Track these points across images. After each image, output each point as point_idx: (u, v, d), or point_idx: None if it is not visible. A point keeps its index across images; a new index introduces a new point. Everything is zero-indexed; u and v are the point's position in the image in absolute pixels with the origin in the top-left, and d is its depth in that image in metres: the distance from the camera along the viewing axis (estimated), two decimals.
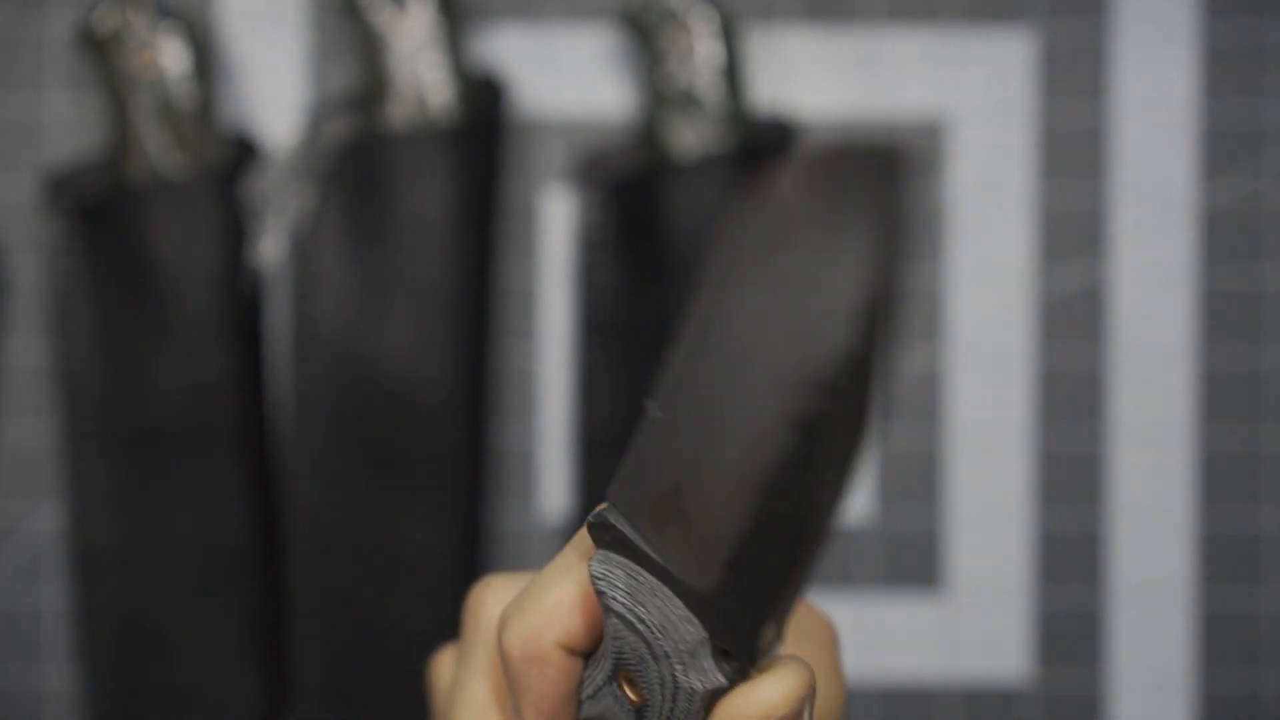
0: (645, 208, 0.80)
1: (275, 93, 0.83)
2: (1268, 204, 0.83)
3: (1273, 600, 0.83)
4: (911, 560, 0.83)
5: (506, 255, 0.82)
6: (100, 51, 0.79)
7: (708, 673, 0.35)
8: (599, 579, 0.36)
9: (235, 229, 0.79)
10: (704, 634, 0.35)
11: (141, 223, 0.79)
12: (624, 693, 0.36)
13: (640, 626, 0.36)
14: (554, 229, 0.82)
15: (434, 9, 0.79)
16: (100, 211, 0.79)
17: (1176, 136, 0.83)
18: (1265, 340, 0.83)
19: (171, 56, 0.79)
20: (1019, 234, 0.83)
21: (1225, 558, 0.83)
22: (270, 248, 0.81)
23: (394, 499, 0.79)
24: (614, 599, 0.36)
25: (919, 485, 0.83)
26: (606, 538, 0.36)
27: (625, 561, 0.35)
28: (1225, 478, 0.83)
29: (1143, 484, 0.83)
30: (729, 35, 0.80)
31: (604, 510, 0.36)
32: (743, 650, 0.34)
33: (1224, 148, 0.83)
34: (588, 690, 0.38)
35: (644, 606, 0.35)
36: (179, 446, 0.78)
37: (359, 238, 0.80)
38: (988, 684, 0.83)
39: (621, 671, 0.36)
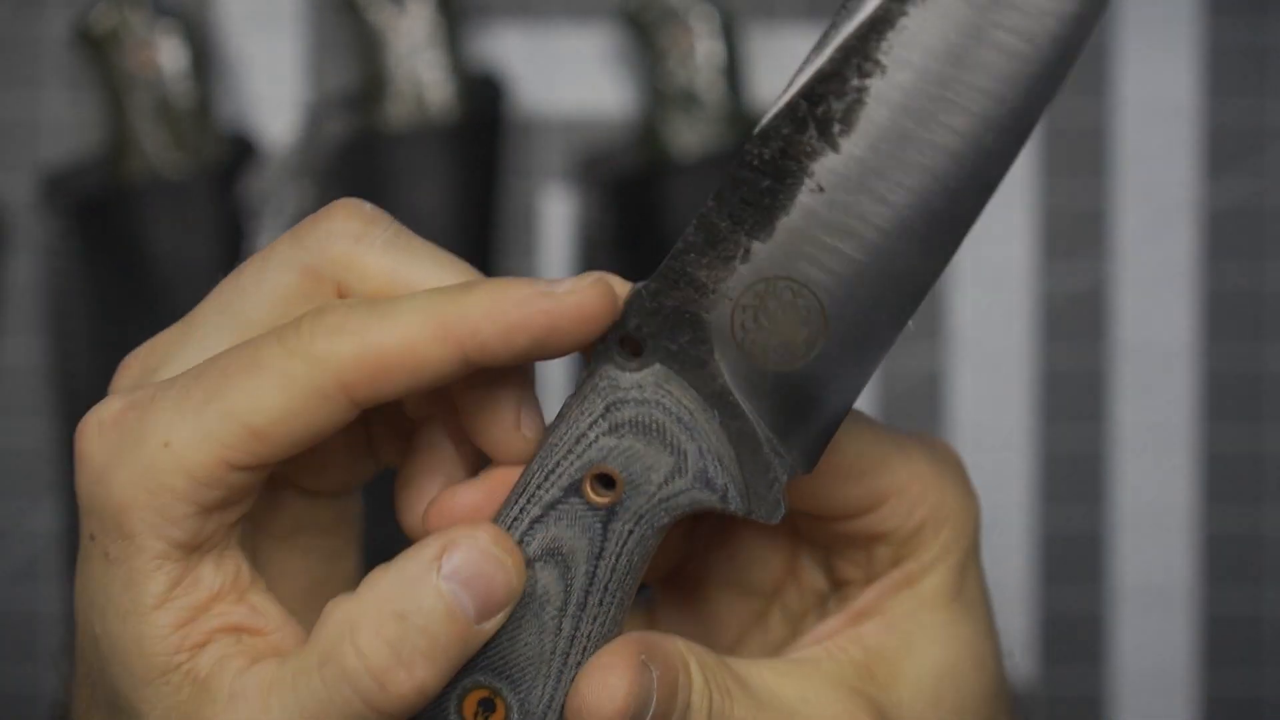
0: (645, 208, 0.80)
1: (273, 91, 0.82)
2: (1270, 203, 0.83)
3: (1275, 602, 0.83)
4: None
5: (506, 255, 0.82)
6: (98, 50, 0.78)
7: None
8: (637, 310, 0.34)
9: (233, 227, 0.79)
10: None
11: (139, 221, 0.78)
12: (590, 498, 0.35)
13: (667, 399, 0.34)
14: (554, 229, 0.82)
15: (433, 8, 0.79)
16: (98, 210, 0.79)
17: (1178, 136, 0.83)
18: (1268, 340, 0.83)
19: (169, 55, 0.78)
20: (1021, 233, 0.83)
21: (1228, 559, 0.83)
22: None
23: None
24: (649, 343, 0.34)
25: None
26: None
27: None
28: (1228, 478, 0.83)
29: (1145, 484, 0.83)
30: (729, 34, 0.80)
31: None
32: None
33: (1226, 147, 0.83)
34: (522, 520, 0.35)
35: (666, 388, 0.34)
36: None
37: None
38: None
39: (595, 469, 0.35)
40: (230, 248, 0.78)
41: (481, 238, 0.80)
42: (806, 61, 0.34)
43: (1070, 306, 0.83)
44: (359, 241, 0.37)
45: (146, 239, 0.78)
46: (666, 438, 0.35)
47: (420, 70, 0.79)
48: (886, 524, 0.39)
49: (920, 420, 0.83)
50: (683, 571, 0.41)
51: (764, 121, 0.34)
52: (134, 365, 0.39)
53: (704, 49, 0.80)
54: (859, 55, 0.33)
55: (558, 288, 0.34)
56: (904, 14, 0.33)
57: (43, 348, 0.81)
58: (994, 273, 0.83)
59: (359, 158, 0.79)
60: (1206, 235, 0.83)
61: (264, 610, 0.36)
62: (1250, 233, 0.83)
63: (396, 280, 0.36)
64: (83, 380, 0.79)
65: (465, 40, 0.81)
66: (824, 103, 0.33)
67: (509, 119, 0.81)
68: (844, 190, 0.34)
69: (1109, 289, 0.83)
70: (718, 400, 0.35)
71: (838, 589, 0.41)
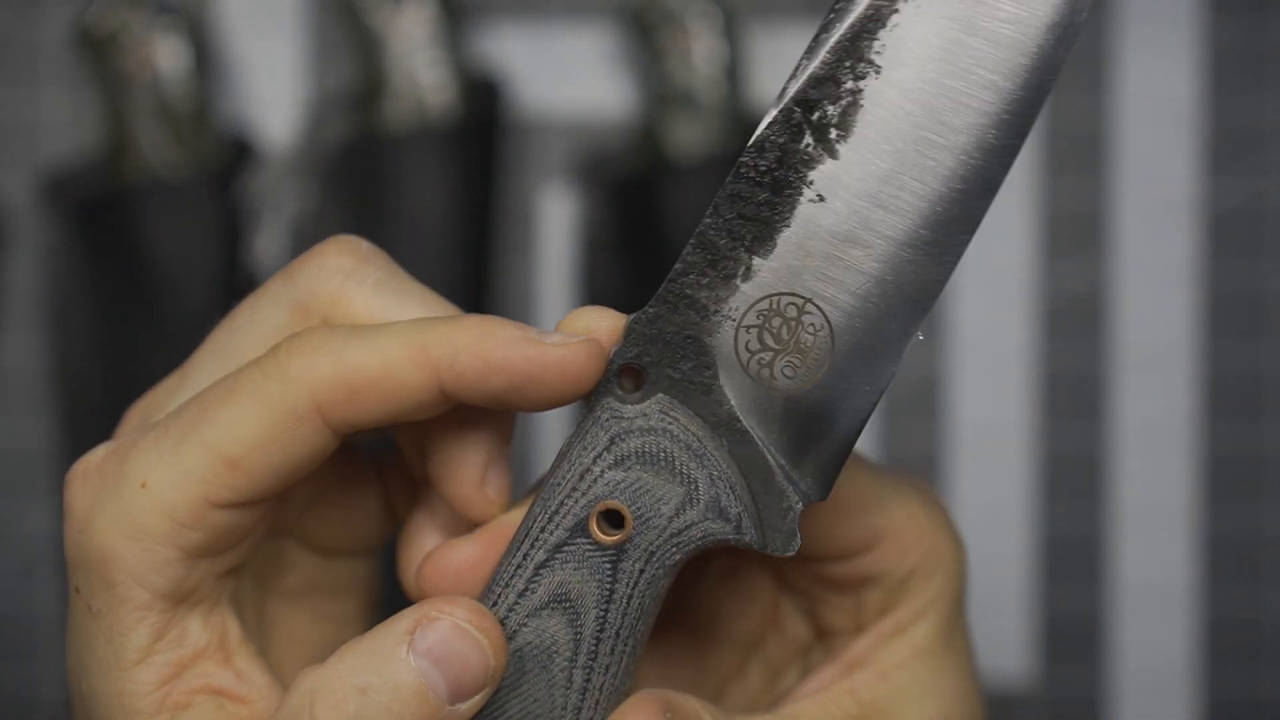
0: (645, 208, 0.80)
1: (273, 91, 0.82)
2: (1270, 203, 0.83)
3: (1275, 602, 0.83)
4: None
5: (506, 255, 0.81)
6: (97, 50, 0.78)
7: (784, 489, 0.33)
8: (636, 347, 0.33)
9: (232, 228, 0.79)
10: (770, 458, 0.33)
11: (138, 222, 0.78)
12: (598, 537, 0.33)
13: (675, 426, 0.33)
14: (554, 229, 0.82)
15: (432, 8, 0.79)
16: (98, 211, 0.79)
17: (1179, 135, 0.83)
18: (1268, 340, 0.83)
19: (168, 55, 0.78)
20: (1020, 233, 0.83)
21: (1228, 559, 0.83)
22: (267, 246, 0.81)
23: None
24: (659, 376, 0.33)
25: None
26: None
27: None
28: (1228, 478, 0.83)
29: (1145, 484, 0.83)
30: (729, 34, 0.80)
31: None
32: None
33: (1226, 146, 0.83)
34: (526, 566, 0.33)
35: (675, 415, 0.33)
36: None
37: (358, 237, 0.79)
38: (989, 685, 0.83)
39: (602, 505, 0.33)
40: (230, 248, 0.78)
41: (480, 238, 0.80)
42: (798, 66, 0.33)
43: (1070, 306, 0.83)
44: (350, 279, 0.36)
45: (146, 239, 0.78)
46: (675, 467, 0.33)
47: (420, 71, 0.79)
48: (880, 566, 0.38)
49: (920, 420, 0.83)
50: (662, 622, 0.40)
51: (758, 131, 0.33)
52: (134, 415, 0.38)
53: (704, 49, 0.80)
54: (852, 57, 0.33)
55: (547, 338, 0.33)
56: (895, 11, 0.32)
57: (43, 348, 0.81)
58: (994, 273, 0.83)
59: (358, 158, 0.79)
60: (1206, 235, 0.83)
61: (249, 677, 0.34)
62: (1250, 233, 0.83)
63: (385, 319, 0.35)
64: (83, 380, 0.79)
65: (465, 40, 0.80)
66: (819, 108, 0.33)
67: (509, 119, 0.81)
68: (845, 198, 0.33)
69: (1109, 289, 0.83)
70: (725, 428, 0.33)
71: (823, 639, 0.40)
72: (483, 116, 0.80)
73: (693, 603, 0.40)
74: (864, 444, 0.82)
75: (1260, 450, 0.83)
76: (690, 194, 0.79)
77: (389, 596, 0.40)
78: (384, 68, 0.79)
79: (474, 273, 0.79)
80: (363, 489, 0.39)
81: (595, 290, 0.80)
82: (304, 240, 0.80)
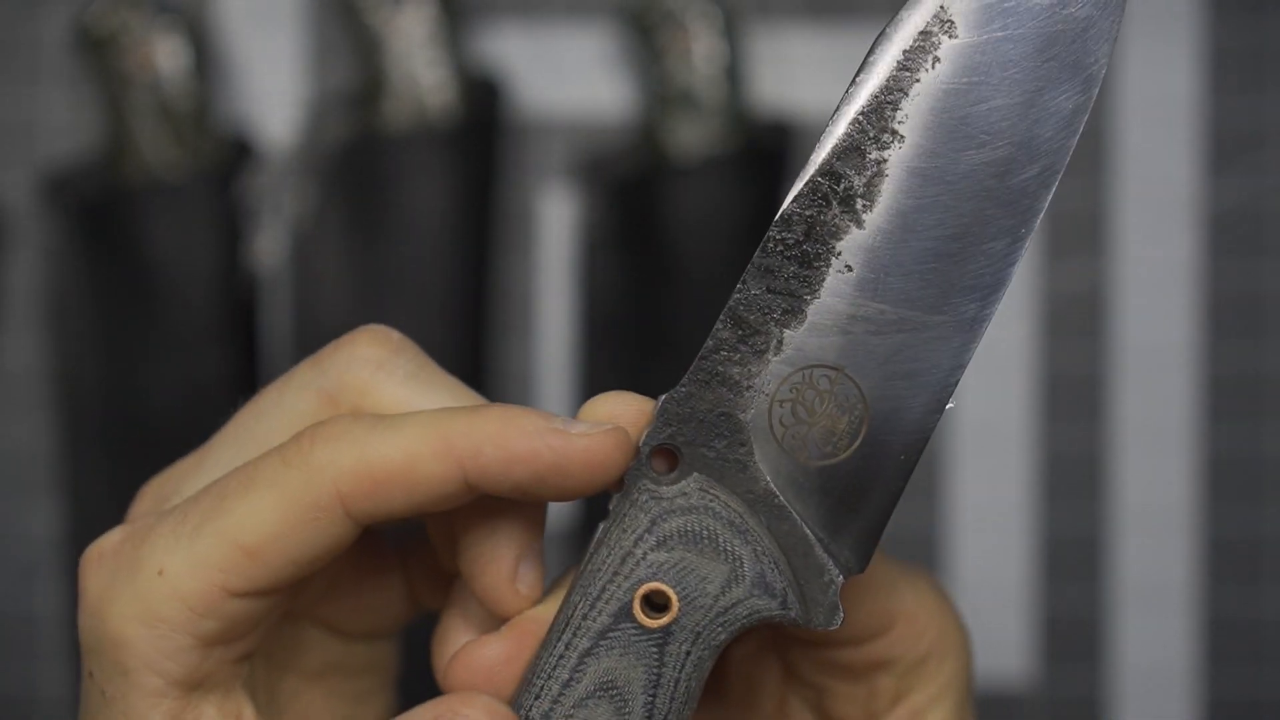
0: (645, 208, 0.80)
1: (273, 91, 0.82)
2: (1271, 203, 0.83)
3: (1276, 602, 0.83)
4: (912, 560, 0.83)
5: (506, 255, 0.81)
6: (97, 50, 0.78)
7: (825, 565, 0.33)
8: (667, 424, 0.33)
9: (232, 228, 0.79)
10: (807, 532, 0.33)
11: (138, 223, 0.78)
12: (642, 621, 0.33)
13: (716, 504, 0.33)
14: (554, 229, 0.82)
15: (432, 8, 0.79)
16: (98, 211, 0.79)
17: (1179, 135, 0.83)
18: (1268, 340, 0.83)
19: (168, 55, 0.78)
20: None
21: (1228, 559, 0.83)
22: (266, 247, 0.81)
23: None
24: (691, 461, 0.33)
25: (920, 485, 0.83)
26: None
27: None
28: (1228, 479, 0.83)
29: (1145, 485, 0.83)
30: (729, 34, 0.80)
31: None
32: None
33: (1227, 146, 0.83)
34: (570, 656, 0.33)
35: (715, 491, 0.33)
36: (176, 445, 0.78)
37: (358, 238, 0.79)
38: (989, 686, 0.83)
39: (646, 588, 0.33)
40: (230, 248, 0.78)
41: (480, 238, 0.80)
42: (822, 138, 0.33)
43: (1070, 306, 0.83)
44: (380, 369, 0.35)
45: (146, 240, 0.78)
46: (719, 545, 0.33)
47: (419, 71, 0.79)
48: (894, 650, 0.37)
49: None
50: None
51: (785, 205, 0.33)
52: (148, 494, 0.37)
53: (704, 49, 0.80)
54: (875, 127, 0.33)
55: (572, 428, 0.33)
56: (916, 80, 0.32)
57: (43, 348, 0.81)
58: None
59: (358, 158, 0.79)
60: (1206, 235, 0.83)
61: None
62: (1250, 233, 0.83)
63: (412, 410, 0.35)
64: (82, 380, 0.79)
65: (465, 40, 0.80)
66: (845, 179, 0.33)
67: (509, 119, 0.81)
68: (873, 267, 0.33)
69: (1109, 288, 0.83)
70: (762, 504, 0.33)
71: None
72: (482, 116, 0.80)
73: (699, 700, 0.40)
74: None
75: (1260, 450, 0.83)
76: (690, 194, 0.79)
77: (405, 678, 0.40)
78: (384, 68, 0.79)
79: (474, 273, 0.79)
80: (384, 574, 0.38)
81: (595, 290, 0.80)
82: (304, 240, 0.80)
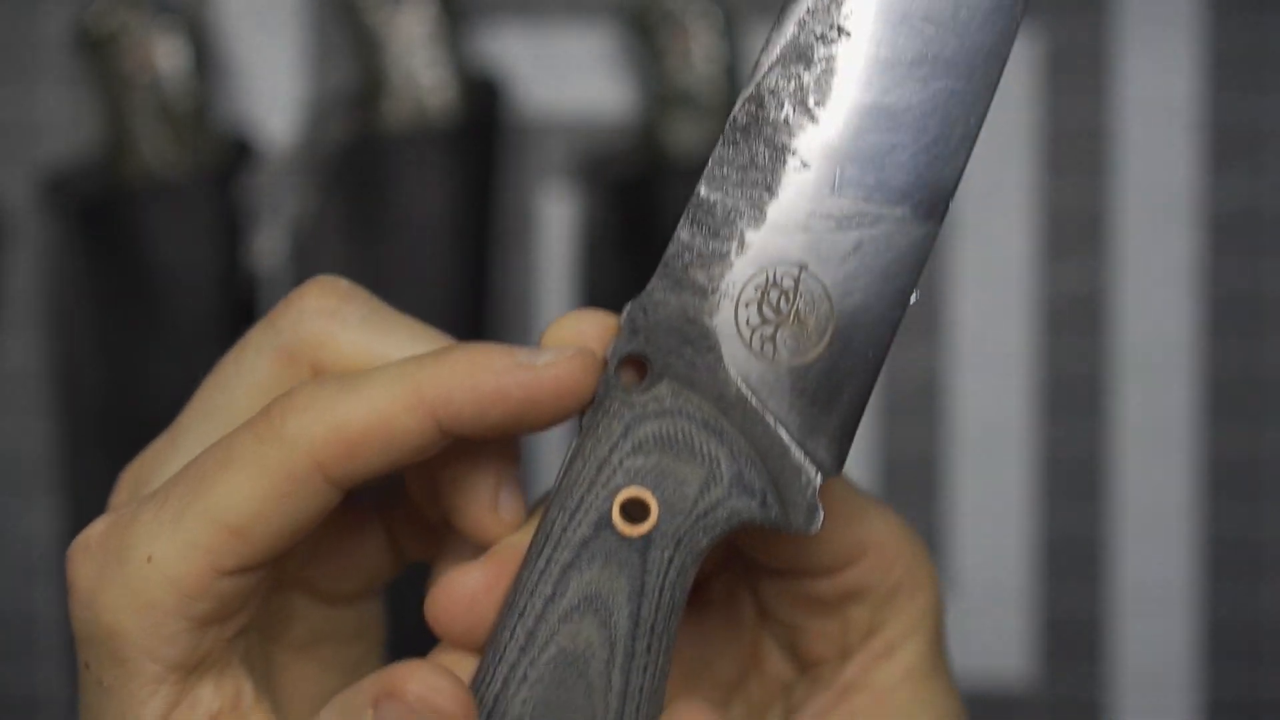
0: (645, 208, 0.80)
1: (273, 91, 0.82)
2: (1271, 203, 0.83)
3: (1275, 602, 0.83)
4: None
5: (506, 255, 0.81)
6: (97, 51, 0.78)
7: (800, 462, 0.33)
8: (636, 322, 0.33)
9: (232, 228, 0.79)
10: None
11: (137, 223, 0.78)
12: (622, 530, 0.32)
13: (690, 405, 0.33)
14: (554, 229, 0.82)
15: (432, 8, 0.79)
16: (98, 211, 0.79)
17: (1179, 135, 0.83)
18: (1269, 340, 0.83)
19: (168, 55, 0.78)
20: (1021, 233, 0.83)
21: (1228, 560, 0.83)
22: (266, 247, 0.81)
23: None
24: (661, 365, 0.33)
25: (919, 486, 0.83)
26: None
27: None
28: (1228, 479, 0.83)
29: (1145, 485, 0.83)
30: (729, 34, 0.80)
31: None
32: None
33: (1227, 146, 0.83)
34: (551, 570, 0.32)
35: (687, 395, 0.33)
36: None
37: (358, 238, 0.79)
38: (989, 686, 0.83)
39: (624, 495, 0.32)
40: (229, 248, 0.78)
41: (480, 238, 0.80)
42: (769, 40, 0.33)
43: (1070, 306, 0.83)
44: (333, 318, 0.35)
45: (146, 240, 0.78)
46: (695, 446, 0.32)
47: (419, 71, 0.79)
48: (866, 580, 0.37)
49: (920, 420, 0.83)
50: None
51: (737, 107, 0.33)
52: (126, 481, 0.37)
53: (704, 49, 0.80)
54: (822, 24, 0.33)
55: (538, 359, 0.33)
56: None
57: (43, 348, 0.81)
58: (994, 272, 0.83)
59: (358, 158, 0.79)
60: (1206, 235, 0.83)
61: None
62: (1250, 233, 0.83)
63: (372, 357, 0.35)
64: (83, 380, 0.79)
65: (465, 40, 0.80)
66: (795, 78, 0.33)
67: (509, 119, 0.81)
68: (828, 162, 0.33)
69: (1109, 289, 0.83)
70: (735, 407, 0.33)
71: (807, 672, 0.39)
72: (482, 116, 0.80)
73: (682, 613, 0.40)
74: (864, 445, 0.82)
75: (1260, 450, 0.83)
76: (690, 194, 0.79)
77: (392, 643, 0.40)
78: (384, 67, 0.79)
79: (474, 273, 0.79)
80: (365, 531, 0.38)
81: (595, 290, 0.80)
82: (304, 240, 0.80)
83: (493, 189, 0.80)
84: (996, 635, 0.83)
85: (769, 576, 0.38)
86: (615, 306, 0.35)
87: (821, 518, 0.33)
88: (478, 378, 0.32)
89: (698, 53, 0.80)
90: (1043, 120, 0.83)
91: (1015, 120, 0.82)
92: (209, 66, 0.80)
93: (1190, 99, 0.83)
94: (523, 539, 0.34)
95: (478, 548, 0.35)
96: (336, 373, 0.34)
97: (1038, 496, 0.83)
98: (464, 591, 0.34)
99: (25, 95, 0.82)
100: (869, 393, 0.34)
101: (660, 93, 0.80)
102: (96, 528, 0.34)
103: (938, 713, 0.38)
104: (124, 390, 0.78)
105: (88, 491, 0.79)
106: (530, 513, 0.36)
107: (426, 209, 0.79)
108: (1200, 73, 0.83)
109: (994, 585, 0.83)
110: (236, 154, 0.80)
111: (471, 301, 0.79)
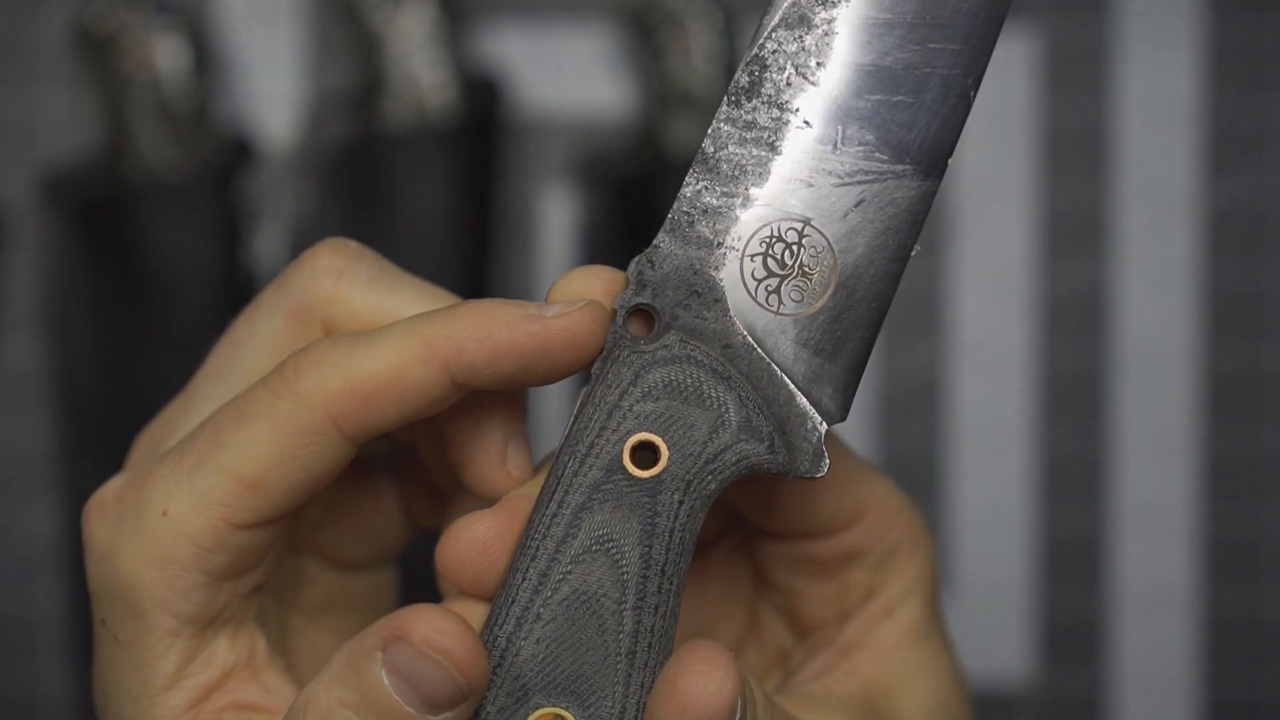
0: (645, 208, 0.80)
1: (273, 91, 0.82)
2: (1272, 202, 0.83)
3: (1275, 602, 0.83)
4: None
5: (506, 255, 0.81)
6: (97, 50, 0.78)
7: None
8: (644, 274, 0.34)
9: (231, 228, 0.79)
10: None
11: (137, 222, 0.78)
12: (633, 472, 0.33)
13: (699, 354, 0.34)
14: (553, 229, 0.82)
15: (432, 8, 0.79)
16: (97, 211, 0.79)
17: (1180, 135, 0.83)
18: (1269, 340, 0.83)
19: (168, 55, 0.78)
20: (1021, 233, 0.83)
21: (1229, 560, 0.83)
22: (266, 246, 0.81)
23: None
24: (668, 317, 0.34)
25: (919, 486, 0.83)
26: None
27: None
28: (1229, 479, 0.83)
29: (1145, 485, 0.83)
30: (729, 34, 0.80)
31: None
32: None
33: (1228, 146, 0.83)
34: (563, 513, 0.33)
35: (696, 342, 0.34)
36: None
37: (357, 237, 0.79)
38: (989, 686, 0.83)
39: (634, 439, 0.33)
40: (229, 248, 0.78)
41: (480, 238, 0.80)
42: (771, 5, 0.35)
43: (1070, 306, 0.83)
44: (342, 278, 0.36)
45: (146, 239, 0.78)
46: (704, 392, 0.33)
47: (419, 70, 0.79)
48: (865, 540, 0.38)
49: (920, 420, 0.83)
50: None
51: (740, 69, 0.34)
52: (142, 442, 0.38)
53: (704, 49, 0.80)
54: None
55: (547, 310, 0.33)
56: None
57: (43, 348, 0.81)
58: (994, 272, 0.83)
59: (358, 158, 0.79)
60: (1206, 235, 0.83)
61: (277, 690, 0.34)
62: (1250, 233, 0.83)
63: (382, 314, 0.35)
64: (83, 380, 0.79)
65: (465, 40, 0.80)
66: (796, 40, 0.34)
67: (509, 119, 0.81)
68: (830, 121, 0.34)
69: (1109, 288, 0.83)
70: (742, 357, 0.34)
71: (805, 637, 0.39)
72: (482, 116, 0.80)
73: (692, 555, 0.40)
74: (865, 445, 0.82)
75: (1260, 450, 0.83)
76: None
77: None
78: (384, 67, 0.79)
79: (474, 273, 0.79)
80: (378, 497, 0.38)
81: None
82: (304, 240, 0.80)
83: (492, 189, 0.80)
84: (996, 635, 0.83)
85: (769, 541, 0.39)
86: None
87: (827, 463, 0.34)
88: (489, 329, 0.33)
89: (697, 52, 0.80)
90: (1043, 120, 0.83)
91: (1015, 120, 0.82)
92: (209, 66, 0.80)
93: (1190, 99, 0.83)
94: (532, 490, 0.35)
95: (486, 505, 0.36)
96: (348, 331, 0.35)
97: (1038, 496, 0.83)
98: (474, 538, 0.34)
99: (25, 95, 0.82)
100: (872, 342, 0.35)
101: (660, 92, 0.80)
102: (113, 485, 0.35)
103: (938, 670, 0.38)
104: (123, 390, 0.78)
105: (88, 491, 0.79)
106: (538, 468, 0.36)
107: (426, 209, 0.79)
108: (1200, 73, 0.83)
109: (994, 585, 0.83)
110: (236, 154, 0.80)
111: None
